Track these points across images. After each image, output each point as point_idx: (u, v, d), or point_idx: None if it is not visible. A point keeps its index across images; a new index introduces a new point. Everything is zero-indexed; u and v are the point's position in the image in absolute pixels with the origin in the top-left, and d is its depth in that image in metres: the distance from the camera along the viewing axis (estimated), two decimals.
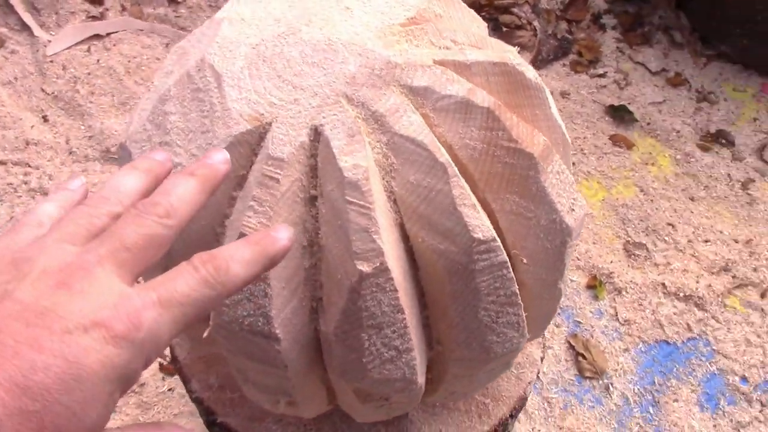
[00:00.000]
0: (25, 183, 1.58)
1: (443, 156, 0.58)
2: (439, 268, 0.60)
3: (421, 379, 0.64)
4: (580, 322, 1.49)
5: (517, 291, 0.62)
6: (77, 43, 1.79)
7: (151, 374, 1.35)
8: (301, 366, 0.63)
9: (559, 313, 1.49)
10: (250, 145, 0.59)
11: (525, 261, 0.64)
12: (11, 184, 1.59)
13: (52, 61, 1.77)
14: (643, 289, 1.52)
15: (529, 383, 0.88)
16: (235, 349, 0.62)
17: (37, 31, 1.79)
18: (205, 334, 0.62)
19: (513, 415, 0.86)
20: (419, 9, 0.67)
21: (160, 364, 1.35)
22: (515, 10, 1.91)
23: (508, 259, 0.60)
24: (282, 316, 0.58)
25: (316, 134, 0.58)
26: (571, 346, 1.45)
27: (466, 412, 0.86)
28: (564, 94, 1.80)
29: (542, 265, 0.65)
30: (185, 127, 0.61)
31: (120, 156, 0.67)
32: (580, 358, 1.43)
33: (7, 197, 1.57)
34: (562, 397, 1.37)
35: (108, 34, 1.83)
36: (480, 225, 0.58)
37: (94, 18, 1.83)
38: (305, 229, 0.59)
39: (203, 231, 0.61)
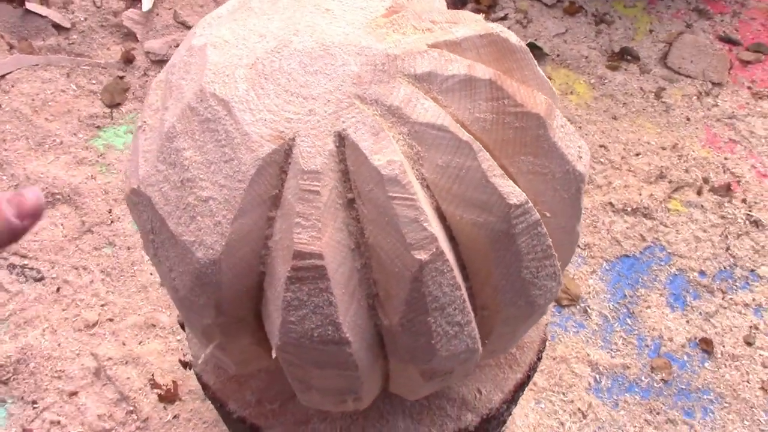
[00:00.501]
0: None
1: (465, 134, 0.60)
2: (481, 239, 0.62)
3: (480, 346, 0.67)
4: None
5: (551, 244, 0.66)
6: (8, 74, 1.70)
7: (152, 407, 1.33)
8: (369, 362, 0.65)
9: None
10: (278, 164, 0.60)
11: (549, 215, 0.68)
12: None
13: None
14: (594, 212, 1.60)
15: (546, 325, 0.93)
16: (303, 362, 0.63)
17: None
18: (274, 355, 0.63)
19: (539, 358, 0.91)
20: None
21: (159, 395, 1.33)
22: None
23: (540, 217, 0.64)
24: (348, 320, 0.60)
25: (341, 139, 0.60)
26: None
27: (497, 366, 0.90)
28: None
29: (562, 214, 0.69)
30: (204, 160, 0.61)
31: (134, 203, 0.66)
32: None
33: None
34: (549, 324, 1.44)
35: (2, 76, 1.74)
36: (513, 191, 0.61)
37: None
38: (350, 233, 0.60)
39: (247, 257, 0.61)
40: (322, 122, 0.60)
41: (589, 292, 1.50)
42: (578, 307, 1.48)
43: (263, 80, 0.62)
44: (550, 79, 1.80)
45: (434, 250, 0.58)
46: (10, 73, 1.75)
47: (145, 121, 0.68)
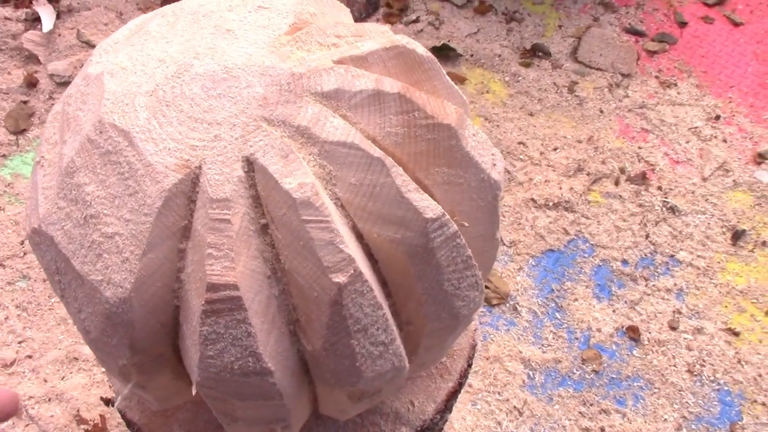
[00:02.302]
0: None
1: (377, 151, 0.59)
2: (400, 255, 0.61)
3: (407, 363, 0.66)
4: None
5: (471, 254, 0.65)
6: None
7: None
8: (294, 390, 0.63)
9: None
10: (185, 194, 0.57)
11: (466, 224, 0.68)
12: None
13: None
14: (517, 209, 1.62)
15: (475, 330, 0.93)
16: (224, 395, 0.61)
17: None
18: (194, 392, 0.61)
19: (470, 364, 0.91)
20: (296, 13, 0.67)
21: (86, 430, 1.28)
22: None
23: (458, 229, 0.63)
24: (269, 349, 0.58)
25: (250, 164, 0.58)
26: None
27: (429, 377, 0.89)
28: None
29: (480, 222, 0.69)
30: (107, 194, 0.58)
31: (36, 243, 0.63)
32: (485, 289, 1.51)
33: None
34: (479, 330, 1.45)
35: None
36: (429, 205, 0.60)
37: None
38: (265, 259, 0.58)
39: (160, 292, 0.59)
40: (228, 148, 0.58)
41: (518, 290, 1.52)
42: (508, 305, 1.49)
43: (165, 107, 0.59)
44: (466, 79, 1.81)
45: (352, 271, 0.57)
46: None
47: (43, 156, 0.65)
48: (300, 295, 0.59)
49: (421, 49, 0.67)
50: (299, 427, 0.75)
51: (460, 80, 1.80)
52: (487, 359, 1.41)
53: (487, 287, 1.50)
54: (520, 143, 1.72)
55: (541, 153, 1.71)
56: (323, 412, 0.75)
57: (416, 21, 1.91)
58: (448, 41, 1.86)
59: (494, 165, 0.68)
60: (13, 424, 1.30)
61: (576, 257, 1.57)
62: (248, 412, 0.64)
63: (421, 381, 0.89)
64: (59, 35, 1.79)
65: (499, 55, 1.87)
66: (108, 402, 0.92)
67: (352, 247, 0.57)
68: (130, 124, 0.58)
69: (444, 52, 1.84)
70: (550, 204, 1.62)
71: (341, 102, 0.61)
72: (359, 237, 0.61)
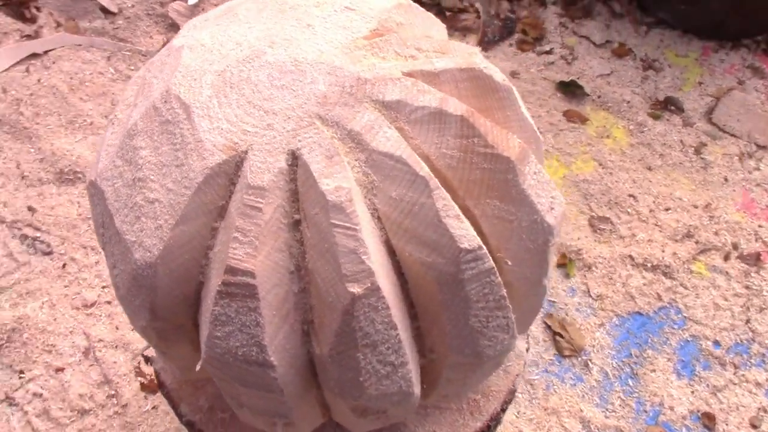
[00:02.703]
0: None
1: (423, 169, 0.58)
2: (429, 279, 0.60)
3: (416, 390, 0.64)
4: (554, 302, 1.51)
5: (505, 294, 0.63)
6: (15, 64, 1.74)
7: (132, 394, 1.33)
8: (297, 389, 0.63)
9: None
10: (227, 175, 0.58)
11: (509, 263, 0.65)
12: None
13: None
14: (611, 262, 1.55)
15: (517, 375, 0.89)
16: (228, 378, 0.61)
17: None
18: (197, 368, 0.61)
19: (504, 409, 0.87)
20: (380, 20, 0.66)
21: (141, 383, 1.33)
22: None
23: (494, 265, 0.61)
24: (275, 343, 0.58)
25: (294, 159, 0.58)
26: (548, 327, 1.47)
27: (458, 411, 0.87)
28: (514, 74, 1.81)
29: (527, 264, 0.66)
30: (158, 161, 0.60)
31: (91, 194, 0.65)
32: (558, 338, 1.45)
33: None
34: (543, 378, 1.40)
35: (45, 52, 1.78)
36: (465, 234, 0.58)
37: (28, 37, 1.78)
38: (291, 255, 0.58)
39: (187, 264, 0.60)
40: (277, 138, 0.58)
41: (594, 345, 1.45)
42: (580, 359, 1.43)
43: (228, 89, 0.60)
44: (587, 120, 1.76)
45: (369, 284, 0.55)
46: (54, 50, 1.78)
47: (116, 115, 0.68)
48: (317, 297, 0.58)
49: (499, 76, 0.65)
50: (309, 430, 0.75)
51: (581, 120, 1.75)
52: (546, 410, 1.36)
53: (561, 336, 1.45)
54: (630, 196, 1.65)
55: (651, 210, 1.63)
56: (336, 420, 0.74)
57: (549, 52, 1.86)
58: (578, 78, 1.81)
59: (552, 208, 0.65)
60: (80, 361, 1.37)
61: (664, 326, 1.49)
62: (252, 400, 0.65)
63: (449, 414, 0.86)
64: (202, 9, 1.87)
65: (628, 102, 1.80)
66: (147, 360, 0.95)
67: (375, 261, 0.56)
68: (192, 98, 0.60)
69: (570, 89, 1.79)
70: (649, 265, 1.54)
71: (401, 114, 0.60)
72: (391, 252, 0.60)
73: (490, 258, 0.60)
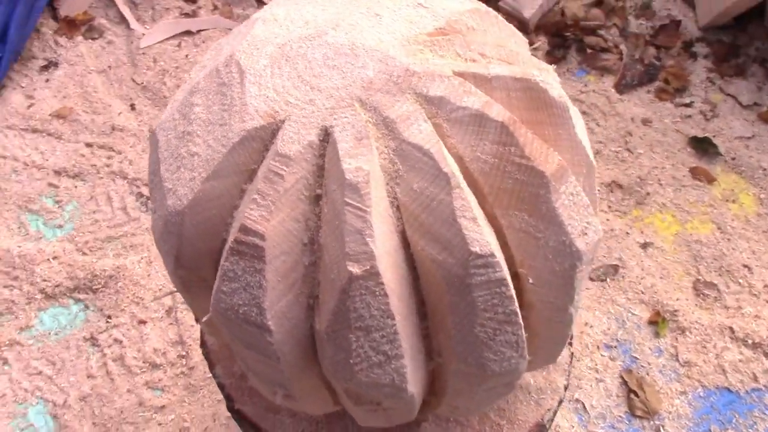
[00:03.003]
0: (107, 166, 1.67)
1: (448, 166, 0.58)
2: (438, 278, 0.59)
3: (411, 388, 0.63)
4: (636, 358, 1.43)
5: (517, 310, 0.61)
6: (169, 38, 1.87)
7: (200, 359, 1.39)
8: (296, 360, 0.64)
9: (615, 346, 1.45)
10: (263, 141, 0.61)
11: (531, 281, 0.63)
12: (95, 165, 1.67)
13: (144, 54, 1.86)
14: (708, 331, 1.45)
15: (549, 410, 0.86)
16: (233, 336, 0.64)
17: (133, 24, 1.89)
18: (204, 319, 0.64)
19: None
20: (449, 20, 0.67)
21: None
22: (602, 32, 1.86)
23: (507, 277, 0.59)
24: (276, 308, 0.60)
25: (326, 135, 0.59)
26: (624, 382, 1.40)
27: None
28: (645, 122, 1.74)
29: (550, 287, 0.64)
30: (207, 118, 0.63)
31: (151, 142, 0.70)
32: (633, 396, 1.38)
33: (89, 177, 1.66)
34: (558, 416, 1.33)
35: (198, 31, 1.90)
36: (478, 239, 0.57)
37: (186, 15, 1.92)
38: (307, 227, 0.60)
39: (213, 220, 0.62)
40: (315, 114, 0.60)
41: (671, 412, 1.37)
42: (651, 422, 1.35)
43: (283, 61, 0.63)
44: (714, 180, 1.66)
45: (368, 267, 0.56)
46: (206, 30, 1.90)
47: (190, 75, 0.72)
48: (323, 273, 0.59)
49: (555, 92, 0.64)
50: (317, 410, 0.76)
51: (708, 179, 1.66)
52: None
53: (636, 395, 1.37)
54: (745, 266, 1.54)
55: (766, 286, 1.51)
56: (344, 406, 0.74)
57: (688, 105, 1.78)
58: (713, 136, 1.72)
59: (584, 234, 0.63)
60: (161, 318, 1.45)
61: (754, 409, 1.38)
62: (255, 364, 0.66)
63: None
64: None
65: (765, 169, 1.68)
66: (197, 319, 0.99)
67: (381, 245, 0.56)
68: (250, 65, 0.63)
69: (703, 146, 1.70)
70: (750, 342, 1.43)
71: (441, 110, 0.60)
72: (406, 244, 0.60)
73: (503, 268, 0.59)
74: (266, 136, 0.60)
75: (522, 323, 0.62)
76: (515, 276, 0.64)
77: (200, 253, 0.64)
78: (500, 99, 0.62)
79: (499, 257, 0.59)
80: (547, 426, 0.87)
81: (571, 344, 0.90)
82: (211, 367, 0.90)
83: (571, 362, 0.89)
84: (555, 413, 0.89)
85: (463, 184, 0.58)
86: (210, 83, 0.65)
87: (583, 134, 0.67)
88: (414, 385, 0.64)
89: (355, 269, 0.56)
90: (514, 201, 0.61)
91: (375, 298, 0.57)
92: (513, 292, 0.60)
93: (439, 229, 0.58)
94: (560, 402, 0.87)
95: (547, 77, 0.64)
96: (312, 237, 0.60)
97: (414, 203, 0.58)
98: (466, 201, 0.57)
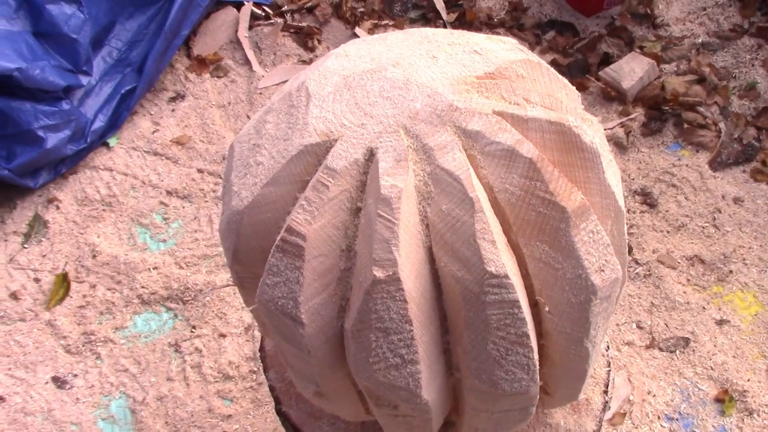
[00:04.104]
0: (213, 191, 1.81)
1: (474, 192, 0.64)
2: (457, 293, 0.65)
3: (426, 396, 0.68)
4: None
5: (529, 333, 0.66)
6: (285, 81, 2.02)
7: None
8: (325, 356, 0.70)
9: (676, 419, 1.43)
10: (317, 156, 0.69)
11: (548, 310, 0.68)
12: (202, 189, 1.82)
13: (261, 93, 2.01)
14: None
15: None
16: (273, 327, 0.71)
17: (255, 66, 2.06)
18: (251, 307, 0.72)
19: None
20: (500, 67, 0.73)
21: None
22: (701, 109, 1.87)
23: (521, 300, 0.64)
24: (310, 304, 0.67)
25: (371, 155, 0.67)
26: None
27: None
28: (737, 200, 1.73)
29: (566, 318, 0.68)
30: (274, 134, 0.72)
31: (228, 152, 0.80)
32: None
33: (196, 200, 1.80)
34: None
35: (280, 83, 2.05)
36: (495, 260, 0.63)
37: (303, 62, 2.07)
38: (346, 235, 0.67)
39: (269, 222, 0.71)
40: (365, 136, 0.68)
41: None
42: None
43: (345, 90, 0.71)
44: None
45: (391, 273, 0.62)
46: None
47: (271, 97, 0.82)
48: (355, 277, 0.66)
49: (588, 137, 0.69)
50: (350, 416, 0.82)
51: None
52: None
53: None
54: None
55: None
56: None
57: None
58: None
59: (601, 270, 0.67)
60: (240, 334, 1.55)
61: None
62: (291, 358, 0.74)
63: None
64: None
65: None
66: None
67: (405, 255, 0.63)
68: (316, 91, 0.72)
69: None
70: None
71: (477, 143, 0.67)
72: (432, 260, 0.66)
73: (516, 291, 0.64)
74: (320, 152, 0.69)
75: (533, 347, 0.67)
76: (534, 304, 0.69)
77: (254, 251, 0.73)
78: (534, 139, 0.68)
79: (515, 281, 0.64)
80: None
81: (606, 392, 0.93)
82: (266, 370, 0.98)
83: (603, 410, 0.91)
84: None
85: (488, 209, 0.64)
86: (282, 104, 0.74)
87: (615, 181, 0.72)
88: (429, 392, 0.69)
89: (378, 273, 0.63)
90: (537, 232, 0.66)
91: (395, 302, 0.63)
92: (526, 315, 0.65)
93: (461, 248, 0.64)
94: None
95: (582, 123, 0.70)
96: (349, 245, 0.67)
97: (441, 222, 0.65)
98: (487, 224, 0.63)
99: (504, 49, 0.75)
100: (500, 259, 0.63)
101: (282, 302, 0.67)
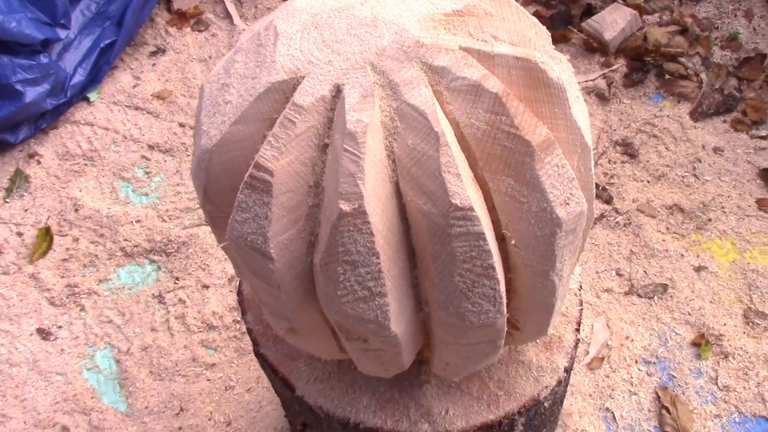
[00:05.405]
0: None
1: (439, 126, 0.64)
2: (423, 227, 0.66)
3: (395, 328, 0.70)
4: (674, 376, 1.44)
5: (495, 265, 0.67)
6: None
7: None
8: (296, 291, 0.71)
9: (653, 362, 1.45)
10: (284, 93, 0.69)
11: (514, 243, 0.69)
12: (184, 143, 1.82)
13: None
14: (753, 359, 1.44)
15: (546, 387, 0.90)
16: (244, 264, 0.72)
17: (236, 20, 2.04)
18: (222, 244, 0.73)
19: (521, 413, 0.89)
20: (468, 4, 0.74)
21: None
22: (683, 59, 1.87)
23: (486, 232, 0.65)
24: (279, 239, 0.68)
25: (338, 91, 0.67)
26: (658, 398, 1.41)
27: (477, 399, 0.90)
28: (717, 150, 1.74)
29: (532, 251, 0.69)
30: (243, 72, 0.72)
31: (199, 93, 0.80)
32: (664, 412, 1.38)
33: (178, 153, 1.80)
34: (552, 392, 1.34)
35: None
36: (459, 192, 0.64)
37: None
38: (314, 171, 0.68)
39: (237, 160, 0.71)
40: (331, 73, 0.68)
41: None
42: None
43: (313, 28, 0.71)
44: None
45: (357, 206, 0.63)
46: None
47: (241, 37, 0.82)
48: (323, 212, 0.67)
49: (554, 73, 0.69)
50: (324, 353, 0.83)
51: None
52: None
53: (668, 411, 1.38)
54: None
55: None
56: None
57: (764, 138, 1.77)
58: None
59: (566, 203, 0.68)
60: (224, 284, 1.56)
61: None
62: (263, 295, 0.75)
63: (468, 399, 0.90)
64: None
65: None
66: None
67: (371, 188, 0.64)
68: (284, 29, 0.72)
69: None
70: None
71: (443, 79, 0.67)
72: (399, 195, 0.67)
73: (483, 223, 0.65)
74: (288, 90, 0.69)
75: (500, 279, 0.68)
76: (501, 238, 0.71)
77: (225, 189, 0.73)
78: (501, 75, 0.69)
79: (480, 213, 0.65)
80: (544, 403, 0.91)
81: (578, 330, 0.94)
82: (243, 313, 0.99)
83: (575, 347, 0.93)
84: (556, 394, 0.93)
85: (453, 143, 0.65)
86: (251, 44, 0.74)
87: (582, 117, 0.72)
88: (398, 325, 0.71)
89: (345, 207, 0.63)
90: (502, 166, 0.67)
91: (361, 235, 0.64)
92: (491, 247, 0.66)
93: (426, 182, 0.65)
94: (559, 382, 0.91)
95: (548, 59, 0.70)
96: (317, 181, 0.68)
97: (407, 157, 0.65)
98: (452, 158, 0.64)
99: None
100: (465, 191, 0.64)
101: (251, 238, 0.68)
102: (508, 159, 0.66)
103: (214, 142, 0.71)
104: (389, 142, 0.66)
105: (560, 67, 0.73)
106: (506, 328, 0.77)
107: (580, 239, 0.75)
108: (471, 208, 0.64)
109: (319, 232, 0.68)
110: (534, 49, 0.72)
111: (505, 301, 0.70)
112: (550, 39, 0.81)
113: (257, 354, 0.97)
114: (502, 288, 0.69)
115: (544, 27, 0.81)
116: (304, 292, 0.72)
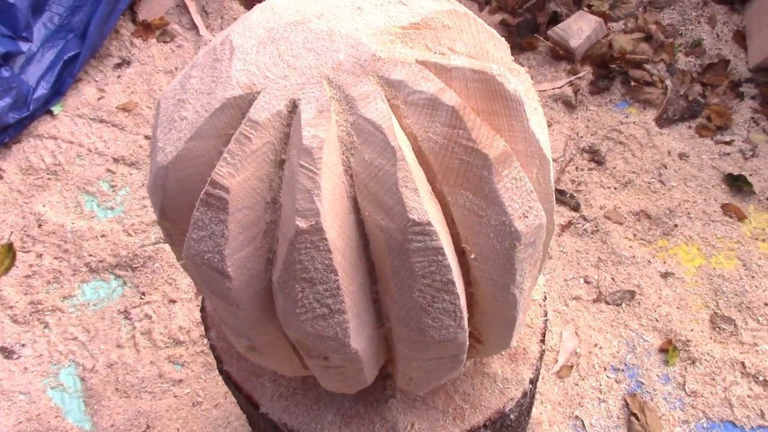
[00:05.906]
0: None
1: (396, 141, 0.64)
2: (382, 242, 0.65)
3: (355, 345, 0.69)
4: (642, 383, 1.44)
5: (454, 280, 0.66)
6: None
7: None
8: (255, 309, 0.70)
9: (622, 369, 1.46)
10: (240, 109, 0.68)
11: (474, 257, 0.69)
12: (150, 156, 1.80)
13: None
14: (719, 364, 1.45)
15: (512, 399, 0.90)
16: (202, 282, 0.71)
17: (202, 30, 2.03)
18: (181, 262, 0.72)
19: (487, 426, 0.89)
20: (425, 17, 0.73)
21: None
22: (648, 66, 1.89)
23: (445, 247, 0.65)
24: (236, 257, 0.67)
25: (294, 107, 0.67)
26: (627, 405, 1.41)
27: (443, 412, 0.89)
28: (682, 156, 1.76)
29: (492, 264, 0.69)
30: (199, 88, 0.71)
31: (156, 110, 0.78)
32: (633, 419, 1.39)
33: (143, 166, 1.78)
34: (518, 405, 1.35)
35: None
36: (417, 207, 0.63)
37: None
38: (271, 188, 0.67)
39: (193, 177, 0.70)
40: (287, 88, 0.67)
41: None
42: None
43: (269, 43, 0.71)
44: (745, 218, 1.66)
45: (314, 223, 0.62)
46: None
47: (198, 53, 0.81)
48: (281, 229, 0.66)
49: (511, 86, 0.69)
50: (287, 370, 0.82)
51: (738, 216, 1.66)
52: None
53: (636, 418, 1.38)
54: (767, 304, 1.53)
55: None
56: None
57: (728, 143, 1.79)
58: (750, 175, 1.71)
59: (525, 216, 0.68)
60: (190, 299, 1.54)
61: None
62: (222, 313, 0.74)
63: (434, 413, 0.89)
64: None
65: None
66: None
67: (327, 205, 0.63)
68: (239, 44, 0.71)
69: (737, 183, 1.70)
70: (761, 379, 1.42)
71: (400, 93, 0.67)
72: (357, 210, 0.67)
73: (441, 238, 0.64)
74: (244, 105, 0.68)
75: (460, 294, 0.68)
76: (461, 252, 0.70)
77: (182, 207, 0.72)
78: (458, 88, 0.68)
79: (438, 228, 0.64)
80: (510, 415, 0.91)
81: (543, 341, 0.94)
82: (207, 330, 0.98)
83: (540, 359, 0.93)
84: (522, 405, 0.93)
85: (411, 158, 0.65)
86: (207, 59, 0.73)
87: (540, 129, 0.72)
88: (358, 342, 0.70)
89: (301, 224, 0.63)
90: (460, 180, 0.66)
91: (319, 252, 0.64)
92: (450, 262, 0.66)
93: (384, 197, 0.64)
94: (525, 394, 0.91)
95: (505, 72, 0.70)
96: (275, 197, 0.67)
97: (364, 172, 0.65)
98: (409, 173, 0.64)
99: (430, 0, 0.75)
100: (423, 206, 0.63)
101: (208, 256, 0.67)
102: (466, 172, 0.66)
103: (170, 159, 0.69)
104: (346, 157, 0.65)
105: (518, 78, 0.73)
106: (469, 342, 0.76)
107: (540, 251, 0.75)
108: (429, 223, 0.64)
109: (276, 250, 0.68)
110: (492, 62, 0.72)
111: (465, 315, 0.69)
112: (509, 50, 0.81)
113: (221, 371, 0.96)
114: (463, 303, 0.69)
115: (503, 39, 0.81)
116: (263, 310, 0.71)
